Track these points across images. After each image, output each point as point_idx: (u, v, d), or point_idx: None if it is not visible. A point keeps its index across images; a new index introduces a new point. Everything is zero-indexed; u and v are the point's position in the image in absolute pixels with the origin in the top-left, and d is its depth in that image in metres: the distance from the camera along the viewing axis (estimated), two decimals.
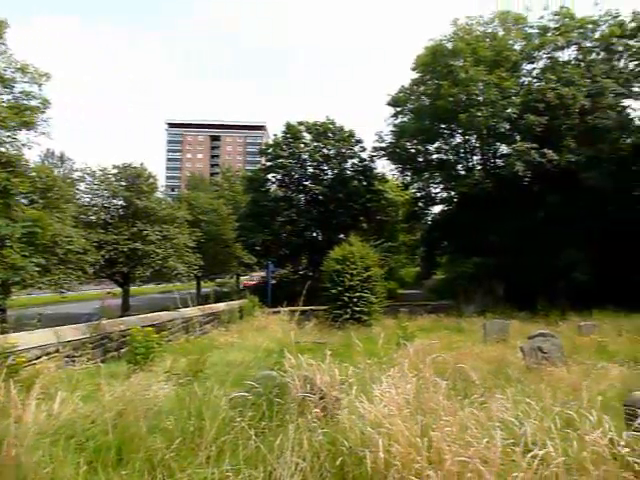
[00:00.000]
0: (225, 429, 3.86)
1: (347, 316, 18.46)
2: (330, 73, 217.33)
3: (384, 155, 34.59)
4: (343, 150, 36.98)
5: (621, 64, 30.52)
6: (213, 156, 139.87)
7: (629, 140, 28.70)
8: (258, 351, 8.97)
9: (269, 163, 38.65)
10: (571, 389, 5.68)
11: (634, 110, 30.06)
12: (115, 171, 32.49)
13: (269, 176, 38.75)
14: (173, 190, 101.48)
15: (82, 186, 31.68)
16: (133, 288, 35.19)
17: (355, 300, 18.77)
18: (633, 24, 29.55)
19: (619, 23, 29.80)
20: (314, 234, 38.02)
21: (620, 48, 29.98)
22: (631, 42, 29.69)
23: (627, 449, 3.41)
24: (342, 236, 29.40)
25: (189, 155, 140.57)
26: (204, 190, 56.04)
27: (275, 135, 39.58)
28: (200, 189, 57.55)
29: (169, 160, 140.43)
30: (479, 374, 5.96)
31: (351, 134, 37.20)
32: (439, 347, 9.05)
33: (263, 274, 39.87)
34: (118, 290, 32.05)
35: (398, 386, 4.33)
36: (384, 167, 41.13)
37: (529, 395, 4.88)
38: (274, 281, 33.42)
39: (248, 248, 38.45)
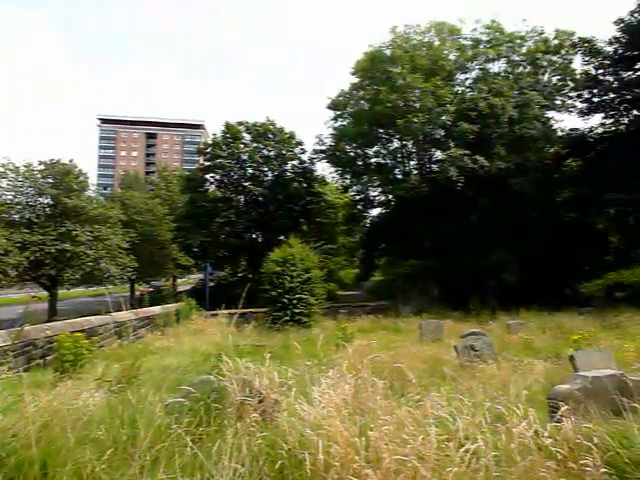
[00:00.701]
0: (160, 437, 3.71)
1: (287, 318, 18.43)
2: (272, 73, 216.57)
3: (324, 158, 34.92)
4: (283, 152, 36.95)
5: (545, 78, 32.63)
6: (149, 154, 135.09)
7: (552, 149, 30.76)
8: (195, 355, 8.75)
9: (208, 163, 37.88)
10: (501, 385, 5.95)
11: (556, 122, 32.29)
12: (41, 167, 30.61)
13: (207, 176, 38.00)
14: (106, 189, 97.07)
15: (4, 183, 29.60)
16: (61, 292, 33.29)
17: (295, 302, 18.77)
18: (556, 41, 31.71)
19: (544, 40, 31.88)
20: (254, 236, 37.69)
21: (544, 63, 32.06)
22: (554, 58, 31.85)
23: (550, 439, 3.61)
24: (282, 238, 29.35)
25: (123, 153, 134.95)
26: (139, 189, 54.08)
27: (214, 135, 38.91)
28: (135, 188, 55.46)
29: (102, 157, 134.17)
30: (415, 373, 6.13)
31: (292, 136, 37.25)
32: (377, 347, 9.22)
33: (201, 276, 39.00)
34: (44, 294, 30.19)
35: (337, 387, 4.36)
36: (324, 170, 41.65)
37: (462, 392, 5.07)
38: (212, 283, 32.77)
39: (185, 250, 37.50)
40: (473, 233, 27.58)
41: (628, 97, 27.30)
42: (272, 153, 36.86)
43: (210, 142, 38.80)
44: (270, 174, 37.28)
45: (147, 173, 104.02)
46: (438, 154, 30.80)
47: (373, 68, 31.07)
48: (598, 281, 29.48)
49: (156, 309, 18.27)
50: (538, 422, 3.81)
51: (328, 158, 34.54)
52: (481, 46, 31.68)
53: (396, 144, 32.99)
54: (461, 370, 7.79)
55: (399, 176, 32.10)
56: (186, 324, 17.76)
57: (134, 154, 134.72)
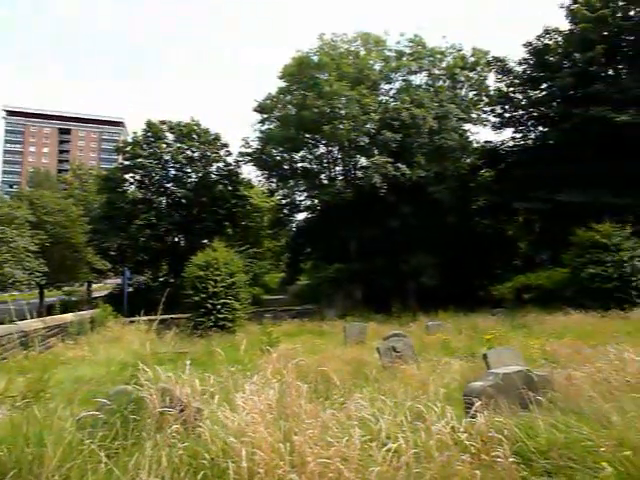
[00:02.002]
0: (71, 454, 3.46)
1: (210, 323, 17.99)
2: (200, 74, 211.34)
3: (250, 161, 34.61)
4: (208, 153, 36.14)
5: (463, 92, 34.59)
6: (62, 151, 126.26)
7: (468, 160, 32.65)
8: (112, 365, 8.29)
9: (127, 162, 36.16)
10: (420, 384, 6.16)
11: (472, 134, 34.34)
12: None
13: (127, 176, 36.26)
14: (12, 187, 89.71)
15: None
16: None
17: (219, 307, 18.37)
18: (473, 58, 33.75)
19: (461, 56, 33.81)
20: (176, 239, 36.49)
21: (462, 78, 34.01)
22: (471, 74, 33.88)
23: (466, 434, 3.80)
24: (206, 241, 28.67)
25: (32, 148, 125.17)
26: (50, 188, 50.38)
27: (135, 133, 37.24)
28: (45, 187, 51.62)
29: (7, 153, 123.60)
30: (340, 376, 6.20)
31: (217, 137, 36.54)
32: (302, 351, 9.23)
33: (119, 281, 37.09)
34: None
35: (261, 393, 4.31)
36: (250, 173, 41.25)
37: (384, 392, 5.20)
38: (131, 289, 31.28)
39: (101, 253, 35.49)
40: (395, 238, 28.55)
41: (535, 114, 29.65)
42: (196, 154, 35.93)
43: (130, 140, 37.10)
44: (194, 176, 36.29)
45: (60, 171, 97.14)
46: (363, 161, 31.56)
47: (300, 73, 31.30)
48: (508, 284, 31.67)
49: (68, 316, 17.11)
50: (455, 418, 3.99)
51: (254, 161, 34.27)
52: (404, 58, 32.96)
53: (322, 149, 33.41)
54: (383, 371, 7.99)
55: (325, 181, 32.53)
56: (102, 332, 16.78)
57: (45, 150, 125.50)
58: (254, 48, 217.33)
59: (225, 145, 36.78)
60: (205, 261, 19.18)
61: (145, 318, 16.01)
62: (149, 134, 35.58)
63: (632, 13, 25.47)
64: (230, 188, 36.19)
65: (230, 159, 36.63)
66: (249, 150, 34.48)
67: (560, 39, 28.18)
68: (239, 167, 36.32)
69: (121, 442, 3.72)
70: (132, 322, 17.95)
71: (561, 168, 24.39)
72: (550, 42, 28.57)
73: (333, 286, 28.36)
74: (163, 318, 17.84)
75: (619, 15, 25.67)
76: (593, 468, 3.28)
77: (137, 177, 35.99)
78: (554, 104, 27.91)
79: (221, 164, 36.77)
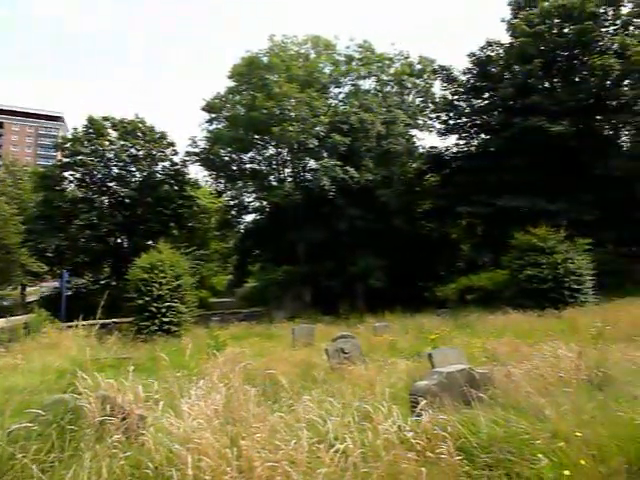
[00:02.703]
0: (1, 469, 3.25)
1: (155, 327, 17.43)
2: (144, 69, 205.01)
3: (198, 161, 33.95)
4: (154, 152, 35.07)
5: (410, 99, 35.51)
6: None
7: (414, 165, 33.51)
8: (47, 373, 7.85)
9: (66, 159, 34.48)
10: (368, 385, 6.24)
11: (418, 139, 35.32)
12: None
13: (66, 174, 34.55)
14: None
15: None
16: None
17: (164, 310, 17.84)
18: (419, 66, 34.73)
19: (409, 63, 34.73)
20: (119, 240, 35.16)
21: (409, 85, 34.92)
22: (418, 81, 34.85)
23: (412, 432, 3.87)
24: (150, 243, 27.80)
25: None
26: None
27: (75, 129, 35.58)
28: None
29: None
30: (288, 378, 6.17)
31: (163, 136, 35.53)
32: (250, 354, 9.14)
33: (56, 284, 35.27)
34: None
35: (207, 398, 4.21)
36: (197, 173, 40.37)
37: (333, 394, 5.22)
38: (70, 292, 29.83)
39: (37, 255, 33.62)
40: (343, 240, 28.85)
41: (477, 122, 30.87)
42: (141, 153, 34.78)
43: (70, 137, 35.41)
44: (138, 175, 35.11)
45: None
46: (312, 163, 31.72)
47: (250, 74, 31.07)
48: (452, 285, 32.73)
49: None
50: (401, 417, 4.06)
51: (202, 161, 33.65)
52: (354, 63, 33.42)
53: (271, 151, 33.28)
54: (332, 373, 8.02)
55: (274, 183, 32.41)
56: (37, 338, 15.88)
57: None
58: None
59: (172, 144, 35.85)
60: (149, 263, 18.59)
61: (85, 323, 15.30)
62: (91, 130, 34.11)
63: (566, 30, 27.03)
64: (176, 188, 35.30)
65: (177, 158, 35.78)
66: (197, 150, 33.86)
67: (501, 51, 29.52)
68: (186, 167, 35.52)
69: (57, 455, 3.53)
70: (70, 327, 17.10)
71: (501, 174, 25.51)
72: (492, 54, 29.86)
73: (281, 288, 28.27)
74: (104, 323, 17.10)
75: (555, 32, 27.20)
76: (530, 460, 3.43)
77: (77, 175, 34.38)
78: (495, 113, 29.17)
79: (167, 163, 35.78)
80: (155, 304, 17.75)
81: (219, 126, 33.66)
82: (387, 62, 34.34)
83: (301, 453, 3.36)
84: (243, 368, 5.10)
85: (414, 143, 34.48)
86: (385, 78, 34.43)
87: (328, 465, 3.32)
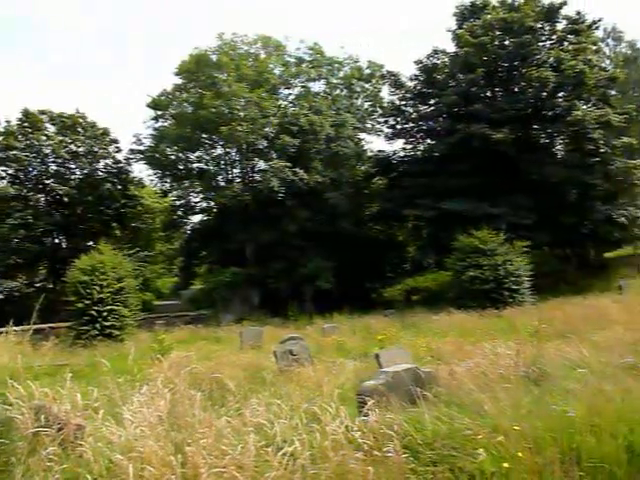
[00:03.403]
0: None
1: (95, 332, 16.71)
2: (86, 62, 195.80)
3: (142, 159, 32.87)
4: (95, 149, 33.58)
5: (359, 102, 36.03)
6: None
7: (363, 168, 34.02)
8: None
9: None
10: (316, 386, 6.24)
11: (367, 143, 35.89)
12: None
13: None
14: None
15: None
16: None
17: (105, 314, 17.14)
18: (368, 71, 35.31)
19: (358, 68, 35.23)
20: (56, 241, 33.39)
21: (358, 89, 35.45)
22: (366, 85, 35.41)
23: (359, 432, 3.91)
24: (91, 244, 26.65)
25: None
26: None
27: (8, 122, 33.51)
28: None
29: None
30: (236, 381, 6.08)
31: (105, 132, 34.09)
32: (197, 358, 8.94)
33: None
34: None
35: (151, 404, 4.08)
36: (142, 171, 39.02)
37: (281, 396, 5.20)
38: (1, 296, 28.11)
39: None
40: (292, 242, 28.84)
41: (424, 127, 31.76)
42: (81, 149, 33.21)
43: (2, 130, 33.33)
44: (78, 172, 33.51)
45: None
46: (261, 164, 31.48)
47: (198, 71, 30.46)
48: (399, 286, 33.50)
49: None
50: (349, 418, 4.09)
51: (147, 159, 32.60)
52: (304, 65, 33.49)
53: (220, 151, 32.73)
54: (280, 375, 7.99)
55: (222, 183, 31.90)
56: None
57: None
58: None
59: (115, 141, 34.46)
60: (90, 265, 17.82)
61: (18, 328, 14.42)
62: (25, 124, 32.24)
63: (507, 43, 28.30)
64: (119, 187, 33.97)
65: (120, 156, 34.47)
66: (141, 148, 32.77)
67: (447, 60, 30.53)
68: (130, 165, 34.30)
69: None
70: (0, 333, 16.09)
71: (446, 178, 26.36)
72: (438, 62, 30.82)
73: (229, 290, 27.86)
74: (40, 328, 16.20)
75: (496, 43, 28.41)
76: (472, 454, 3.54)
77: (10, 171, 32.35)
78: (441, 119, 30.09)
79: (110, 161, 34.39)
80: (96, 308, 17.04)
81: (165, 124, 32.77)
82: (337, 65, 34.68)
83: (248, 457, 3.31)
84: (189, 372, 4.98)
85: (363, 146, 35.00)
86: (335, 81, 34.76)
87: (276, 468, 3.29)
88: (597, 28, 30.60)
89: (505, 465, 3.35)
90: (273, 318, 22.79)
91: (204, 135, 31.38)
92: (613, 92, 30.80)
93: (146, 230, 36.30)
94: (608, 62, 35.13)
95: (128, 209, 33.94)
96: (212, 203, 32.72)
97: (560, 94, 28.17)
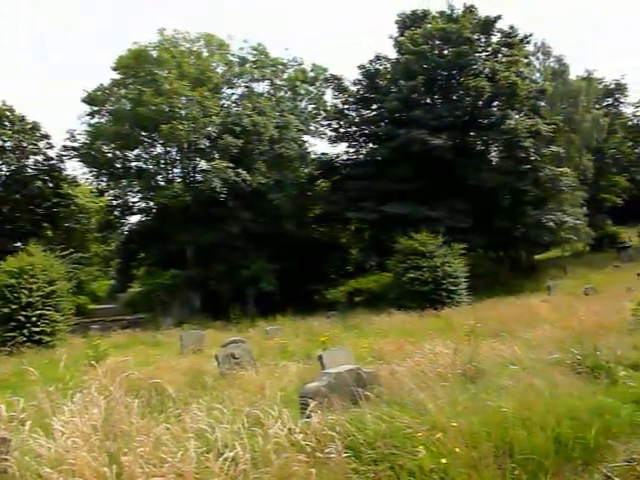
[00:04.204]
0: None
1: (23, 338, 15.70)
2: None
3: (76, 156, 31.32)
4: (24, 144, 31.67)
5: (302, 105, 36.15)
6: None
7: (306, 170, 34.14)
8: None
9: None
10: (259, 389, 6.19)
11: (311, 145, 36.08)
12: None
13: None
14: None
15: None
16: None
17: (34, 319, 16.16)
18: (312, 74, 35.51)
19: (302, 70, 35.37)
20: None
21: (302, 91, 35.57)
22: (310, 88, 35.60)
23: (302, 435, 3.90)
24: (20, 245, 25.08)
25: None
26: None
27: None
28: None
29: None
30: (176, 387, 5.92)
31: (35, 126, 32.24)
32: (134, 363, 8.63)
33: None
34: None
35: (84, 413, 3.88)
36: (76, 169, 37.05)
37: (223, 401, 5.10)
38: None
39: None
40: (235, 244, 28.47)
41: (366, 131, 32.34)
42: (8, 144, 31.23)
43: None
44: (5, 168, 31.50)
45: None
46: (203, 164, 30.86)
47: (137, 67, 29.44)
48: (341, 288, 33.87)
49: None
50: (291, 420, 4.07)
51: (81, 157, 31.08)
52: (248, 65, 33.21)
53: (160, 149, 31.77)
54: (222, 379, 7.85)
55: (162, 183, 30.97)
56: None
57: None
58: None
59: (46, 136, 32.67)
60: (18, 267, 16.76)
61: None
62: None
63: (446, 52, 29.41)
64: (51, 185, 32.23)
65: (52, 152, 32.70)
66: (75, 144, 31.21)
67: (389, 66, 31.28)
68: (63, 162, 32.59)
69: None
70: None
71: (388, 182, 27.00)
72: (380, 68, 31.52)
73: (169, 293, 27.06)
74: None
75: (436, 52, 29.49)
76: (412, 452, 3.62)
77: None
78: (382, 124, 30.78)
79: (40, 157, 32.57)
80: (24, 312, 16.05)
81: (102, 120, 31.41)
82: (281, 67, 34.66)
83: (189, 464, 3.22)
84: (126, 378, 4.78)
85: (306, 149, 35.14)
86: (279, 83, 34.72)
87: (217, 474, 3.22)
88: (528, 42, 32.50)
89: (443, 461, 3.46)
90: (215, 321, 22.41)
91: (143, 133, 30.38)
92: (542, 104, 32.72)
93: (80, 230, 34.73)
94: (538, 75, 37.29)
95: (61, 208, 32.31)
96: (151, 203, 31.67)
97: (495, 103, 29.63)
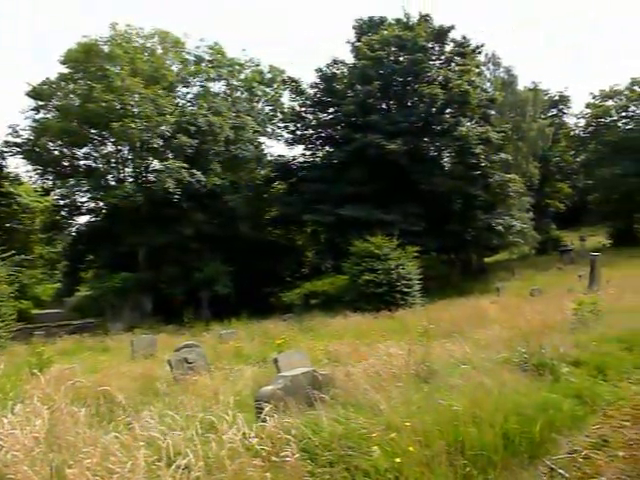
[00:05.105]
0: None
1: None
2: None
3: (19, 153, 29.87)
4: None
5: (259, 106, 35.96)
6: None
7: (263, 172, 33.97)
8: None
9: None
10: (213, 394, 6.07)
11: (267, 147, 35.94)
12: None
13: None
14: None
15: None
16: None
17: None
18: (270, 75, 35.39)
19: (259, 71, 35.20)
20: None
21: (259, 93, 35.40)
22: (267, 89, 35.45)
23: (257, 439, 3.86)
24: None
25: None
26: None
27: None
28: None
29: None
30: (126, 394, 5.72)
31: None
32: (81, 371, 8.28)
33: None
34: None
35: (26, 424, 3.68)
36: (19, 166, 35.25)
37: (176, 407, 4.98)
38: None
39: None
40: (189, 245, 27.93)
41: (323, 135, 32.53)
42: None
43: None
44: None
45: None
46: (156, 164, 30.11)
47: (87, 62, 28.40)
48: (297, 290, 33.86)
49: None
50: (246, 425, 4.02)
51: (25, 154, 29.67)
52: (204, 64, 32.72)
53: (110, 148, 30.78)
54: (175, 384, 7.66)
55: (112, 182, 30.00)
56: None
57: None
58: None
59: None
60: None
61: None
62: None
63: (401, 59, 30.03)
64: None
65: None
66: (18, 140, 29.75)
67: (346, 70, 31.60)
68: (4, 159, 30.95)
69: None
70: None
71: (344, 185, 27.23)
72: (337, 72, 31.79)
73: (119, 297, 26.17)
74: None
75: (392, 59, 30.05)
76: (367, 453, 3.65)
77: None
78: (339, 127, 31.05)
79: None
80: None
81: (48, 115, 30.09)
82: (238, 67, 34.38)
83: (139, 474, 3.12)
84: (72, 387, 4.58)
85: (263, 150, 34.99)
86: (235, 83, 34.40)
87: None
88: (480, 53, 33.72)
89: (397, 460, 3.50)
90: (167, 325, 21.92)
91: (93, 130, 29.37)
92: (492, 112, 33.99)
93: (23, 231, 33.21)
94: (489, 84, 38.71)
95: (2, 208, 30.69)
96: (101, 203, 30.59)
97: (448, 110, 30.49)
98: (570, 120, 52.67)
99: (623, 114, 43.95)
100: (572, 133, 50.64)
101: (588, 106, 45.80)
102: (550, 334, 7.60)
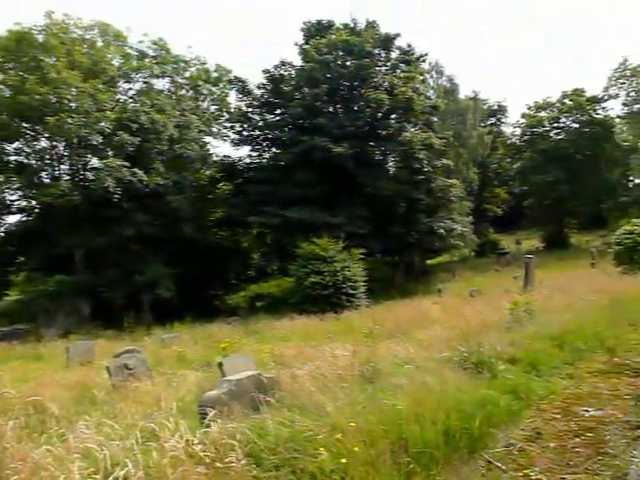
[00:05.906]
0: None
1: None
2: None
3: None
4: None
5: (205, 105, 35.30)
6: None
7: (208, 172, 33.36)
8: None
9: None
10: (155, 401, 5.88)
11: (213, 147, 35.34)
12: None
13: None
14: None
15: None
16: None
17: None
18: (216, 74, 34.83)
19: (205, 70, 34.57)
20: None
21: (205, 91, 34.75)
22: (213, 89, 34.88)
23: (200, 445, 3.76)
24: None
25: None
26: None
27: None
28: None
29: None
30: (60, 403, 5.43)
31: None
32: (10, 380, 7.77)
33: None
34: None
35: None
36: None
37: (115, 415, 4.78)
38: None
39: None
40: (129, 247, 26.97)
41: (270, 136, 32.41)
42: None
43: None
44: None
45: None
46: (95, 161, 28.89)
47: (19, 51, 26.76)
48: (242, 293, 33.48)
49: None
50: (189, 431, 3.91)
51: None
52: (147, 60, 31.73)
53: (45, 144, 29.19)
54: (114, 392, 7.37)
55: (47, 180, 28.49)
56: None
57: None
58: None
59: None
60: None
61: None
62: None
63: (348, 63, 30.43)
64: None
65: None
66: None
67: (293, 73, 31.64)
68: None
69: None
70: None
71: (290, 187, 27.23)
72: (285, 74, 31.78)
73: (53, 301, 24.82)
74: None
75: (339, 63, 30.40)
76: (313, 455, 3.65)
77: None
78: (286, 129, 31.04)
79: None
80: None
81: None
82: (183, 65, 33.59)
83: None
84: None
85: (208, 150, 34.38)
86: (180, 81, 33.58)
87: None
88: (424, 61, 34.87)
89: (343, 461, 3.52)
90: (106, 330, 21.15)
91: (25, 124, 27.79)
92: (435, 119, 35.16)
93: None
94: (432, 92, 40.00)
95: None
96: (34, 202, 28.90)
97: (393, 116, 31.23)
98: (507, 129, 55.43)
99: (555, 125, 46.69)
100: (509, 141, 53.21)
101: (523, 116, 48.31)
102: (488, 333, 7.91)
